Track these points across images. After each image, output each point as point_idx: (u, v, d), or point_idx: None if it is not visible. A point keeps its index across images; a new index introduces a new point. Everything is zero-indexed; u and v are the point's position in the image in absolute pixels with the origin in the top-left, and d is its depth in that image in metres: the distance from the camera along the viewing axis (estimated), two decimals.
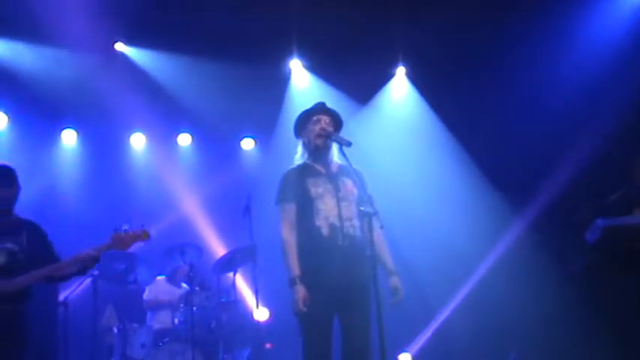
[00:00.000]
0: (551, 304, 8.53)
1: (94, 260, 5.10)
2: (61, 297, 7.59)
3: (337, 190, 5.07)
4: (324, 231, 4.96)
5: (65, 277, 5.36)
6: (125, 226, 5.09)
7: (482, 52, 9.17)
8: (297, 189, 5.09)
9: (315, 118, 5.22)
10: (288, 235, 5.03)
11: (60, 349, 7.27)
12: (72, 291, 7.89)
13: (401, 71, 10.01)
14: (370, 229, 4.58)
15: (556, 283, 8.50)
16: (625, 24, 8.67)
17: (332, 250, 4.92)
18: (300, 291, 4.82)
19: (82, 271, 5.33)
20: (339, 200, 5.03)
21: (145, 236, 5.19)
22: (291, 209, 5.08)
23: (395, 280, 5.03)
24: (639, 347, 7.11)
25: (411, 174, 9.37)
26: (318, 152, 5.17)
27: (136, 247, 5.36)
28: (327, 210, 5.00)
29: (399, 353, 9.21)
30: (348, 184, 5.13)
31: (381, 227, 4.62)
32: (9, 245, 5.10)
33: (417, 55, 9.66)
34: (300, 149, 5.33)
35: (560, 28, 8.75)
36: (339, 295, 4.89)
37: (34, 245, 5.20)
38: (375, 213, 4.59)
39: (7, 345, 4.94)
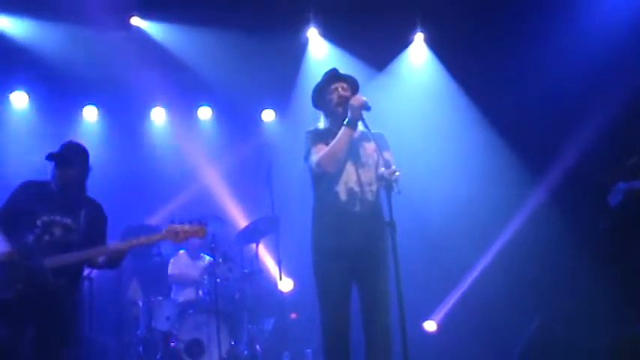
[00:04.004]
0: (574, 270, 8.47)
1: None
2: (85, 272, 7.61)
3: (357, 156, 5.03)
4: (342, 196, 4.94)
5: (99, 266, 5.37)
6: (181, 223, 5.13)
7: (503, 18, 9.04)
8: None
9: (332, 87, 5.18)
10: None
11: (85, 323, 7.32)
12: None
13: (419, 37, 9.88)
14: (389, 193, 4.54)
15: (579, 248, 8.44)
16: None
17: (348, 216, 4.91)
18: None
19: (113, 263, 5.34)
20: (358, 166, 5.00)
21: (201, 232, 5.18)
22: (322, 149, 4.96)
23: None
24: None
25: (431, 139, 9.29)
26: (339, 120, 5.05)
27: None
28: (346, 175, 4.97)
29: (424, 321, 9.21)
30: (369, 148, 5.07)
31: (398, 193, 4.52)
32: (68, 221, 5.11)
33: (436, 21, 9.54)
34: (322, 119, 5.27)
35: None
36: (355, 261, 4.88)
37: (90, 226, 5.18)
38: (395, 180, 4.53)
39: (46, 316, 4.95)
